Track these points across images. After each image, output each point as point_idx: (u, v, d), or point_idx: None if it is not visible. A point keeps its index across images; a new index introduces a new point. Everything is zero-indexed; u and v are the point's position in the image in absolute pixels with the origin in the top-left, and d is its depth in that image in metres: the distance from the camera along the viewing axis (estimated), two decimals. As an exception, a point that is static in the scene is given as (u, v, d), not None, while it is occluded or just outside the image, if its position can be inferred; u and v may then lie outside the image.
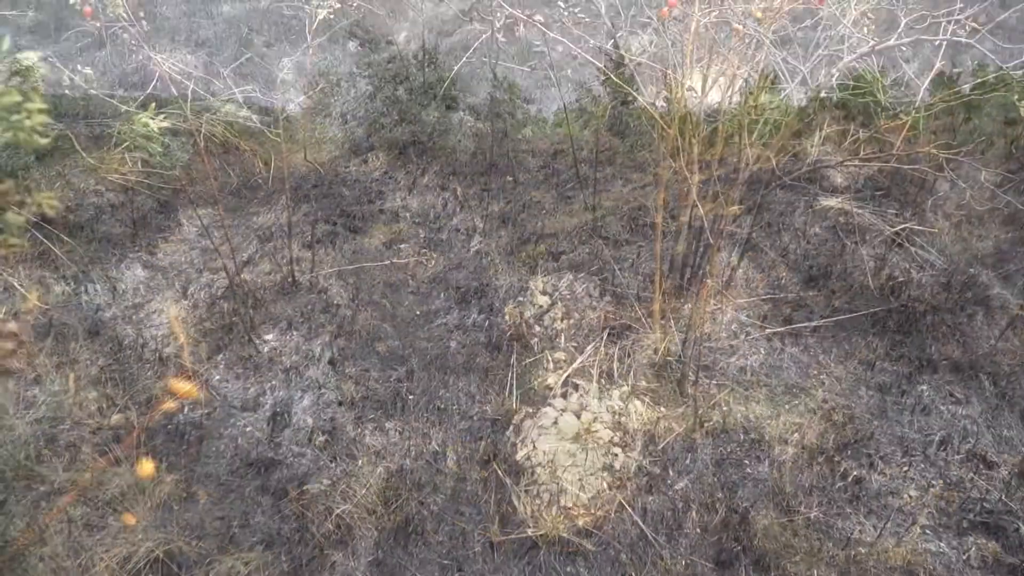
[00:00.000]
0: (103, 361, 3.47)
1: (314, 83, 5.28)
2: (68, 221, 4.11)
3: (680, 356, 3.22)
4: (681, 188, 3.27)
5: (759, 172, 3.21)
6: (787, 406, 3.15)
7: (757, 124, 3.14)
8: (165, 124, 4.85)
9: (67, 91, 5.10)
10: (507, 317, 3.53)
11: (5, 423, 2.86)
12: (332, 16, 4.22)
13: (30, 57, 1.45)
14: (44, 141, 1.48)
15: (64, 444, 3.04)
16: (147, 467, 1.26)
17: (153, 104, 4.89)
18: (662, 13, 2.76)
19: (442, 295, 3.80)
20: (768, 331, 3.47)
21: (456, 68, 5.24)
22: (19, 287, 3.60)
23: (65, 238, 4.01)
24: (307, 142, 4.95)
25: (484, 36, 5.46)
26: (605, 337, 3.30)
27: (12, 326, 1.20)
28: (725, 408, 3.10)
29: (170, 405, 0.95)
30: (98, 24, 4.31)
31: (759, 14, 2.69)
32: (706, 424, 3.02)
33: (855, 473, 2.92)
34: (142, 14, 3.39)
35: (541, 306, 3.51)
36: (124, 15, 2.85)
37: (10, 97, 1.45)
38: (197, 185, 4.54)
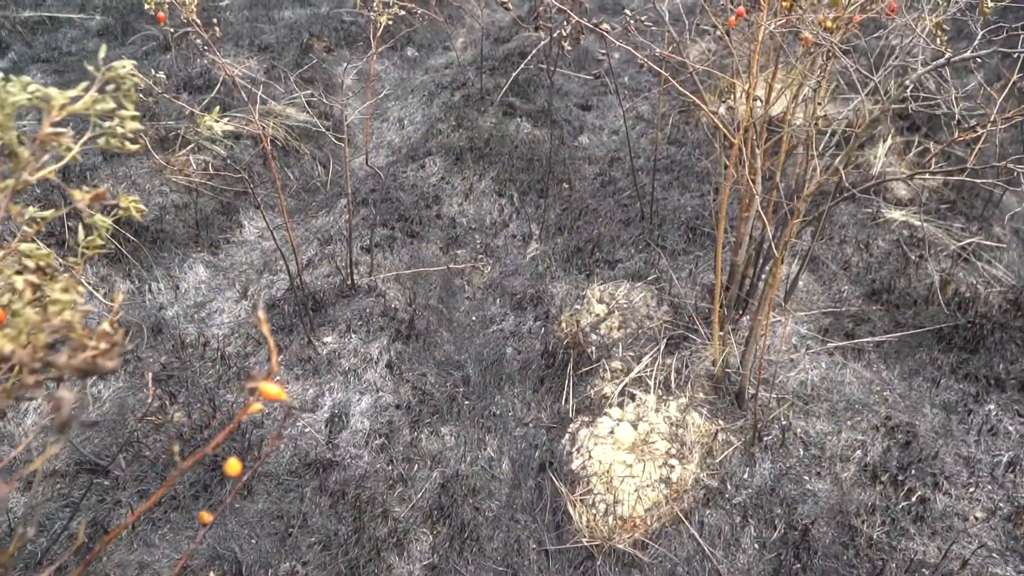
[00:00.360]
0: (165, 359, 3.56)
1: (374, 89, 5.34)
2: (132, 222, 4.21)
3: (739, 368, 3.17)
4: (743, 199, 3.23)
5: (823, 183, 3.16)
6: (849, 422, 3.09)
7: (824, 135, 3.09)
8: (229, 127, 4.96)
9: (139, 94, 5.23)
10: (563, 325, 3.52)
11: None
12: (392, 23, 4.26)
13: (125, 65, 1.49)
14: (135, 147, 1.52)
15: (126, 441, 3.11)
16: (235, 466, 1.28)
17: (217, 107, 5.00)
18: (730, 22, 2.73)
19: (498, 301, 3.81)
20: (829, 345, 3.41)
21: (514, 75, 5.26)
22: (88, 285, 3.71)
23: (131, 237, 4.11)
24: (366, 146, 5.01)
25: (542, 43, 5.47)
26: (663, 347, 3.27)
27: (106, 327, 1.23)
28: (784, 422, 3.05)
29: (257, 408, 0.97)
30: (172, 31, 4.43)
31: (830, 24, 2.65)
32: (765, 438, 2.98)
33: (919, 493, 2.85)
34: (215, 20, 3.46)
35: (598, 315, 3.50)
36: (196, 20, 2.91)
37: (104, 104, 1.48)
38: (258, 187, 4.62)
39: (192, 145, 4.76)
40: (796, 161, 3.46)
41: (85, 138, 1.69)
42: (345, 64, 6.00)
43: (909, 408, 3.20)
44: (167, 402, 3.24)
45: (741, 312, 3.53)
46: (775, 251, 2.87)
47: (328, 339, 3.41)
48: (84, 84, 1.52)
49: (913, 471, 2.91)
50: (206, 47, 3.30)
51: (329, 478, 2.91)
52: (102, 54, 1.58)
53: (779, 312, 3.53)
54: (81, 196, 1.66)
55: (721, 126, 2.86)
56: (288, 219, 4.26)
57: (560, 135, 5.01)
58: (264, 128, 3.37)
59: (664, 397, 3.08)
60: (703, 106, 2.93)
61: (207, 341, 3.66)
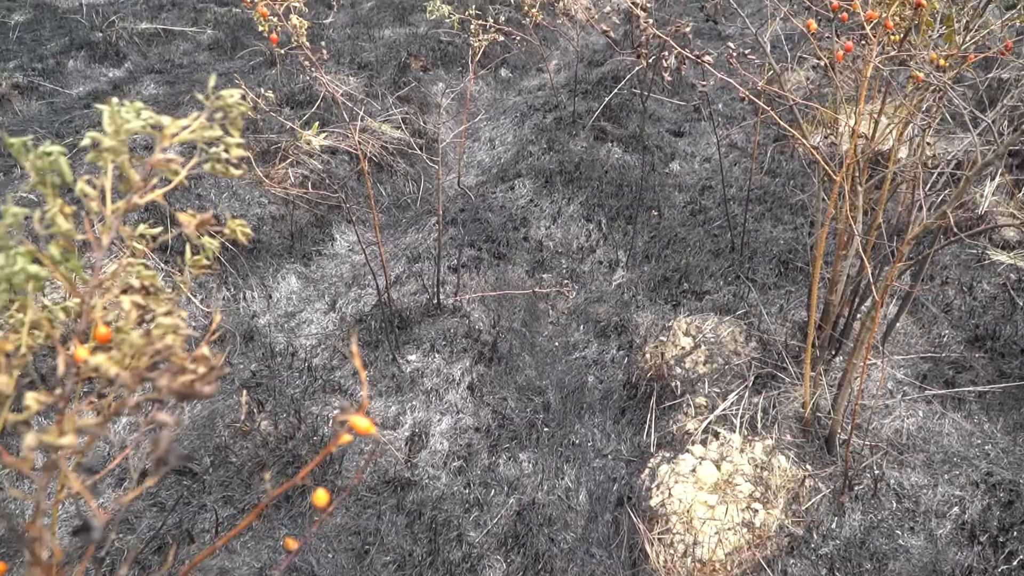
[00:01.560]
0: (255, 366, 3.65)
1: (469, 110, 5.40)
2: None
3: (830, 412, 3.06)
4: (841, 236, 3.13)
5: (928, 226, 3.03)
6: (946, 476, 2.94)
7: (931, 174, 2.97)
8: (327, 142, 5.09)
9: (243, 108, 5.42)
10: (647, 356, 3.47)
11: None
12: (487, 43, 4.30)
13: (233, 94, 1.53)
14: (238, 172, 1.56)
15: (214, 446, 3.20)
16: (323, 497, 1.30)
17: (317, 123, 5.14)
18: (838, 57, 2.65)
19: (581, 328, 3.79)
20: (927, 393, 3.26)
21: (607, 99, 5.24)
22: (192, 297, 3.84)
23: (229, 245, 4.25)
24: (457, 165, 5.07)
25: (636, 68, 5.44)
26: (750, 385, 3.19)
27: (204, 350, 1.25)
28: (877, 472, 2.92)
29: (347, 439, 0.97)
30: (281, 52, 4.58)
31: (943, 62, 2.55)
32: (856, 487, 2.86)
33: (1021, 557, 2.69)
34: (321, 42, 3.56)
35: (683, 347, 3.43)
36: (306, 44, 3.00)
37: (212, 132, 1.52)
38: (352, 202, 4.72)
39: (291, 159, 4.90)
40: (899, 199, 3.34)
41: (192, 163, 1.74)
42: (440, 84, 6.10)
43: (1012, 465, 3.02)
44: (255, 410, 3.32)
45: (834, 353, 3.42)
46: (875, 293, 2.77)
47: (412, 357, 3.44)
48: (195, 114, 1.57)
49: (1015, 532, 2.75)
50: (311, 65, 3.39)
51: (407, 497, 2.92)
52: (212, 82, 1.64)
53: (875, 355, 3.40)
54: (188, 221, 1.71)
55: (822, 162, 2.78)
56: (373, 238, 4.35)
57: (651, 161, 4.97)
58: (361, 144, 3.44)
59: (750, 437, 2.99)
60: (804, 141, 2.85)
61: (295, 351, 3.75)
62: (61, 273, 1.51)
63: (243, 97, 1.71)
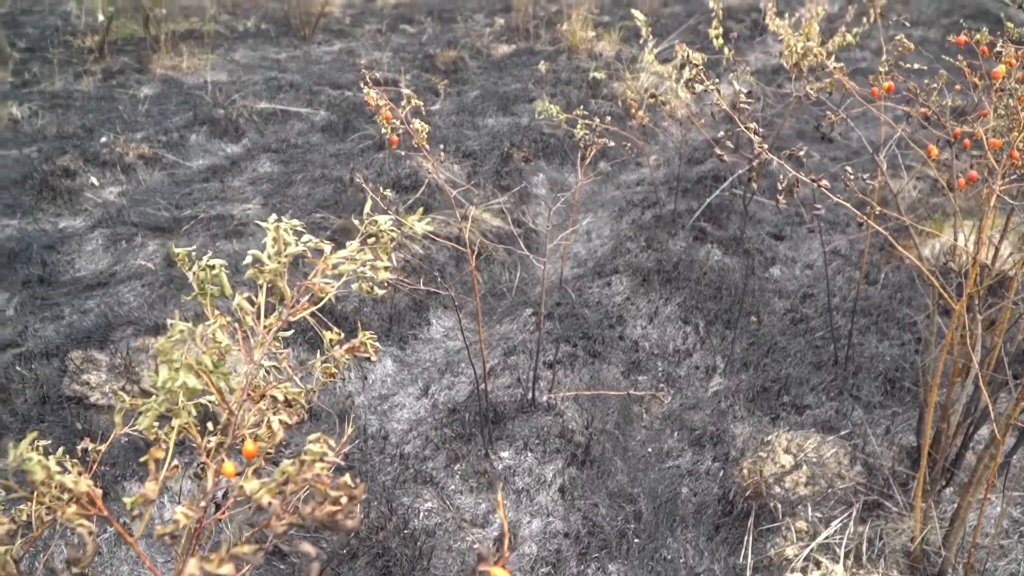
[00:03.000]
0: (348, 448, 3.69)
1: (568, 202, 5.48)
2: (335, 310, 4.47)
3: (941, 549, 2.90)
4: (956, 363, 3.01)
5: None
6: (1070, 632, 2.73)
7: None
8: (429, 227, 5.24)
9: (348, 189, 5.65)
10: (744, 471, 3.37)
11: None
12: (588, 136, 4.38)
13: (385, 221, 1.61)
14: (381, 292, 1.62)
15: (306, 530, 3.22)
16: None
17: (421, 208, 5.29)
18: (960, 184, 2.61)
19: (675, 435, 3.72)
20: (1048, 536, 3.06)
21: (708, 200, 5.25)
22: (289, 369, 3.94)
23: (332, 325, 4.36)
24: (561, 263, 5.11)
25: (739, 171, 5.45)
26: (854, 513, 3.06)
27: (347, 479, 1.28)
28: (992, 620, 2.74)
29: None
30: (402, 153, 4.78)
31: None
32: (969, 636, 2.68)
33: None
34: (428, 129, 3.69)
35: (783, 466, 3.33)
36: (426, 147, 3.11)
37: (363, 255, 1.60)
38: (450, 288, 4.81)
39: (394, 242, 5.05)
40: (1021, 327, 3.21)
41: (339, 283, 1.82)
42: (541, 175, 6.22)
43: None
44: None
45: (945, 483, 3.25)
46: (995, 429, 2.64)
47: (505, 454, 3.43)
48: (352, 243, 1.65)
49: None
50: (422, 156, 3.51)
51: (493, 601, 2.87)
52: (367, 207, 1.71)
53: (990, 489, 3.22)
54: (337, 346, 1.77)
55: (939, 287, 2.71)
56: (474, 322, 4.40)
57: (751, 265, 4.92)
58: (464, 232, 3.53)
59: (854, 571, 2.85)
60: (919, 264, 2.79)
61: (387, 435, 3.78)
62: (212, 382, 1.58)
63: (393, 235, 1.77)
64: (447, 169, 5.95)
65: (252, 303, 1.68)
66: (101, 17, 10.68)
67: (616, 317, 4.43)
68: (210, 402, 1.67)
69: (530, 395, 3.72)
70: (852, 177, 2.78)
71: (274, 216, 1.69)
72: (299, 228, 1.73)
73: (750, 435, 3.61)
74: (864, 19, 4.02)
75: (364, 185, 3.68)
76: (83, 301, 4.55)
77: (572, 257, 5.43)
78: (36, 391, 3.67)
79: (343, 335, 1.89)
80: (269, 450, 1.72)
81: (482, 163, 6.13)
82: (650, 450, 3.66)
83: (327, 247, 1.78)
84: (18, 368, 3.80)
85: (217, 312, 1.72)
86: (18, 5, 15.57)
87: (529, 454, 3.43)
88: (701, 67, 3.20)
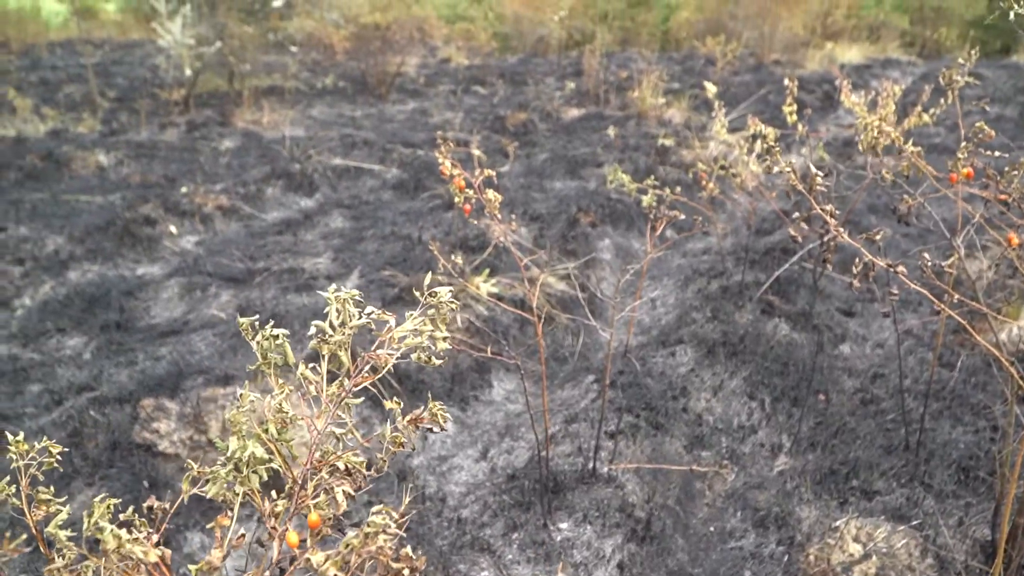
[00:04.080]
0: (404, 508, 3.69)
1: (635, 272, 5.48)
2: (399, 368, 4.52)
3: (1019, 655, 2.75)
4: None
5: None
6: None
7: None
8: (494, 289, 5.28)
9: (416, 247, 5.74)
10: (811, 558, 3.26)
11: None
12: (657, 208, 4.39)
13: (445, 293, 1.65)
14: (439, 362, 1.66)
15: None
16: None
17: (487, 270, 5.36)
18: (1011, 240, 2.54)
19: (739, 514, 3.63)
20: None
21: (776, 273, 5.20)
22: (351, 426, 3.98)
23: (394, 383, 4.41)
24: (615, 323, 5.10)
25: (809, 245, 5.39)
26: (927, 611, 2.92)
27: (407, 551, 1.29)
28: None
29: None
30: (469, 216, 4.87)
31: None
32: None
33: None
34: (497, 189, 3.75)
35: (851, 555, 3.21)
36: (498, 216, 3.16)
37: (423, 327, 1.64)
38: (513, 350, 4.82)
39: (460, 302, 5.10)
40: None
41: (398, 353, 1.85)
42: (607, 240, 6.25)
43: None
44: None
45: (1024, 583, 3.10)
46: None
47: (564, 525, 3.39)
48: (412, 314, 1.69)
49: None
50: (492, 220, 3.57)
51: None
52: (427, 280, 1.75)
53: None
54: (399, 418, 1.80)
55: (1014, 373, 2.62)
56: (536, 386, 4.39)
57: (820, 341, 4.83)
58: (531, 294, 3.55)
59: (927, 673, 2.72)
60: (997, 353, 2.71)
61: (444, 497, 3.78)
62: (277, 450, 1.61)
63: (452, 307, 1.81)
64: (514, 232, 6.02)
65: (316, 372, 1.71)
66: (188, 71, 11.21)
67: (680, 388, 4.38)
68: (275, 468, 1.70)
69: (591, 465, 3.68)
70: (929, 263, 2.73)
71: (334, 286, 1.73)
72: (359, 298, 1.76)
73: (816, 519, 3.51)
74: (942, 100, 3.97)
75: (433, 249, 3.74)
76: (156, 348, 4.70)
77: (636, 324, 5.40)
78: (107, 436, 3.77)
79: (405, 397, 1.91)
80: (330, 516, 1.74)
81: (549, 227, 6.18)
82: (712, 529, 3.57)
83: (391, 319, 1.82)
84: (91, 412, 3.92)
85: (282, 382, 1.77)
86: (110, 56, 16.43)
87: (588, 526, 3.38)
88: (776, 145, 3.21)
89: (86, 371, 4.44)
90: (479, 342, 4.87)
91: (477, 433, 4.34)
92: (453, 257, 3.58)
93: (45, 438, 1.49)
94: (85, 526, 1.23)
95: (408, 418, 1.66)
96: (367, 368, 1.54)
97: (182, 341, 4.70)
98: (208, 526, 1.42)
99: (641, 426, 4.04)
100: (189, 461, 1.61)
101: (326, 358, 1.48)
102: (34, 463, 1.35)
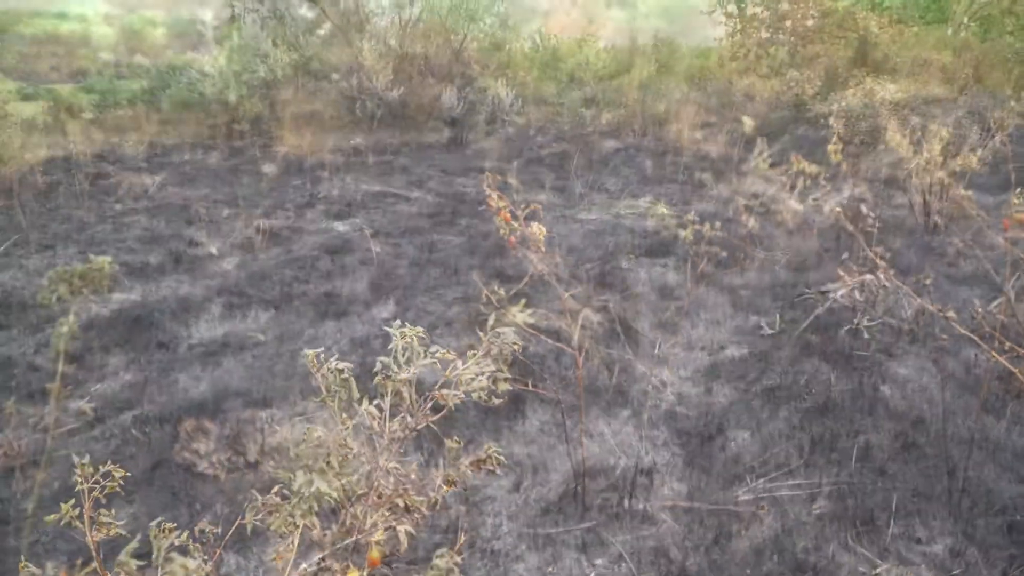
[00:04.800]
0: (438, 537, 3.68)
1: (675, 307, 5.46)
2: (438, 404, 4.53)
3: None
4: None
5: None
6: None
7: None
8: (531, 320, 5.28)
9: (455, 275, 5.78)
10: (851, 606, 3.20)
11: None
12: (690, 236, 4.37)
13: (509, 334, 1.66)
14: (499, 401, 1.67)
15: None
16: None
17: (524, 300, 5.36)
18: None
19: (775, 558, 3.56)
20: None
21: (816, 311, 5.14)
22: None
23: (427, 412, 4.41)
24: (651, 355, 5.07)
25: (852, 284, 5.33)
26: (973, 666, 2.84)
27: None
28: None
29: None
30: (513, 247, 4.90)
31: None
32: None
33: None
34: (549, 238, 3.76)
35: (893, 605, 3.14)
36: (542, 248, 3.17)
37: (477, 366, 1.66)
38: (551, 386, 4.81)
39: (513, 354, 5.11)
40: None
41: (461, 391, 1.86)
42: (643, 272, 6.23)
43: None
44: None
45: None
46: None
47: (599, 561, 3.36)
48: (474, 353, 1.70)
49: None
50: (534, 253, 3.58)
51: None
52: (491, 322, 1.76)
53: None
54: (461, 459, 1.81)
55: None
56: (570, 417, 4.37)
57: (859, 382, 4.76)
58: (573, 333, 3.55)
59: None
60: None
61: (476, 528, 3.76)
62: (339, 484, 1.62)
63: (514, 347, 1.81)
64: (551, 263, 6.03)
65: (380, 409, 1.72)
66: (232, 97, 11.44)
67: (716, 427, 4.33)
68: (334, 499, 1.71)
69: (626, 501, 3.65)
70: (980, 312, 2.69)
71: (398, 322, 1.74)
72: (422, 335, 1.78)
73: (855, 566, 3.44)
74: (989, 144, 3.94)
75: (477, 280, 3.75)
76: (197, 369, 4.76)
77: (673, 359, 5.37)
78: (149, 455, 3.82)
79: (438, 425, 1.91)
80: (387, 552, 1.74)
81: (585, 258, 6.19)
82: (748, 572, 3.51)
83: (456, 360, 1.84)
84: (134, 431, 3.97)
85: (345, 417, 1.78)
86: (155, 80, 16.81)
87: (623, 564, 3.35)
88: (825, 184, 3.20)
89: (129, 391, 4.51)
90: (515, 372, 4.86)
91: (510, 464, 4.32)
92: (493, 287, 3.59)
93: (88, 456, 1.52)
94: (154, 555, 1.25)
95: (470, 460, 1.66)
96: (428, 405, 1.55)
97: (222, 362, 4.76)
98: (271, 559, 1.43)
99: (677, 464, 4.00)
100: (254, 492, 1.63)
101: (390, 394, 1.49)
102: (96, 486, 1.37)
